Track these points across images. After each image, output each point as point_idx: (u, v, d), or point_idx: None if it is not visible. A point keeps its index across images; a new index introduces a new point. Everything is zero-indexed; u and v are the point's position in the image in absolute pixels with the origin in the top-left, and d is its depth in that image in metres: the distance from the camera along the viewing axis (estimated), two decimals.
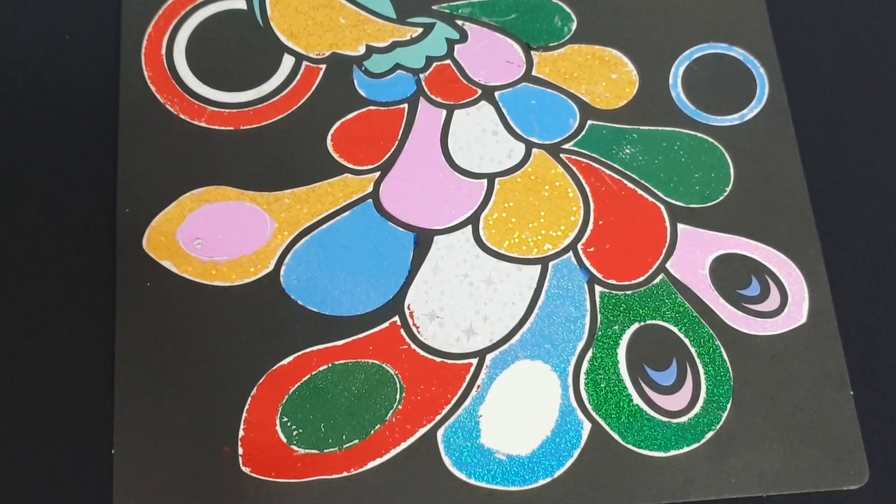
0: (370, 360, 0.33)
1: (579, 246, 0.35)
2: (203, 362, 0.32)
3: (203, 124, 0.36)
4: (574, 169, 0.36)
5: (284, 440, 0.31)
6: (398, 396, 0.32)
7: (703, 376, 0.33)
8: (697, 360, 0.33)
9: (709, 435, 0.32)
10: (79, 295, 0.33)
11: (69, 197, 0.35)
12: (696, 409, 0.33)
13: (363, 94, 0.37)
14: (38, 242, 0.34)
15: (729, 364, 0.33)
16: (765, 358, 0.33)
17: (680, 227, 0.35)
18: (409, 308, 0.34)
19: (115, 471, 0.31)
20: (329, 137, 0.36)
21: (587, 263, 0.35)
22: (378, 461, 0.31)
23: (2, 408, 0.32)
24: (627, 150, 0.37)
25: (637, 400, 0.33)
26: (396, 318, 0.34)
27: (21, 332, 0.33)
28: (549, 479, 0.31)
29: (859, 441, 0.32)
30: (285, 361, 0.33)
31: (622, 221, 0.35)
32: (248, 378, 0.32)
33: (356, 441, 0.32)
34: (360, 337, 0.33)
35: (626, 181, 0.36)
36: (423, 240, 0.35)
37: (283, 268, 0.34)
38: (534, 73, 0.38)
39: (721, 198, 0.36)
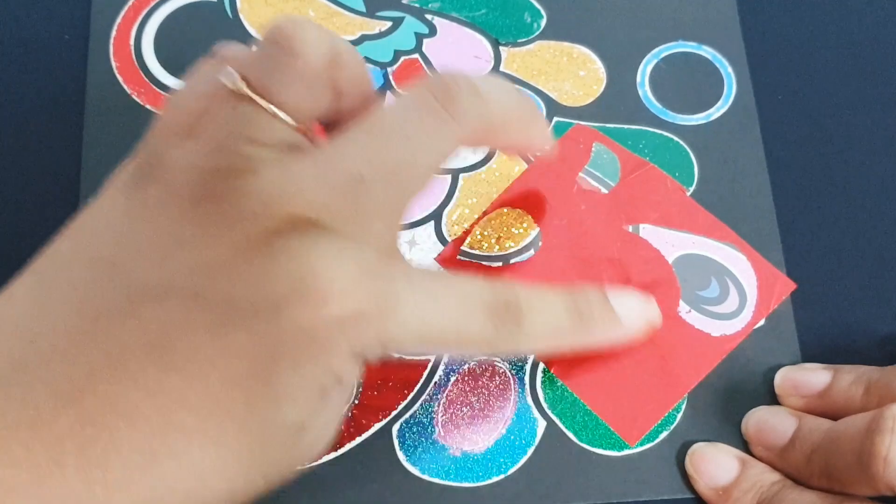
0: None
1: (540, 244, 0.35)
2: None
3: None
4: None
5: None
6: (355, 391, 0.32)
7: None
8: None
9: (663, 435, 0.32)
10: None
11: (32, 186, 0.35)
12: None
13: None
14: None
15: None
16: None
17: (642, 226, 0.35)
18: None
19: None
20: None
21: None
22: (332, 455, 0.32)
23: None
24: None
25: None
26: None
27: None
28: (501, 477, 0.32)
29: None
30: None
31: None
32: None
33: None
34: None
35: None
36: None
37: None
38: (501, 68, 0.38)
39: None
